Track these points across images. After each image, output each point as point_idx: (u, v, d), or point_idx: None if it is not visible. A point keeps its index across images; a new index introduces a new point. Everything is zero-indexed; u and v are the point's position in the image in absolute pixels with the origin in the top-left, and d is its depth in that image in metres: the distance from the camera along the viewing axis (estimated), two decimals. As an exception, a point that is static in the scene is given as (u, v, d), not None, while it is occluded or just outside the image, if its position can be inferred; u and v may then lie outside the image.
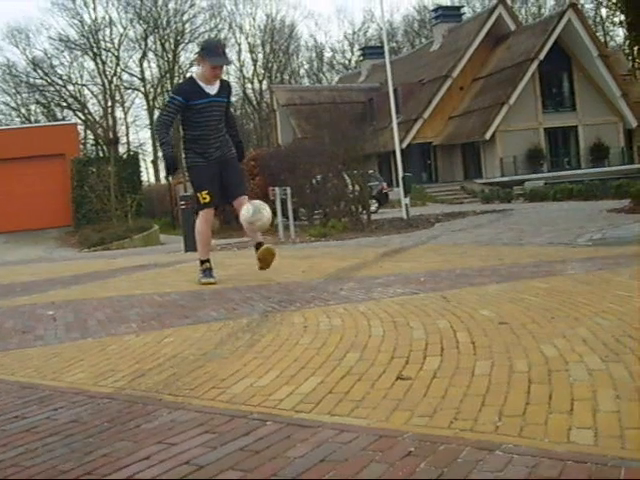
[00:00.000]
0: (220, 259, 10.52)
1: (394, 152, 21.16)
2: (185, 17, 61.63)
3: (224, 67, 7.00)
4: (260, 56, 65.96)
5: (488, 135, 39.18)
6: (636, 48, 18.27)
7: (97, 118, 60.53)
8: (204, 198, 6.96)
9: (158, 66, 62.22)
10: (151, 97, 61.47)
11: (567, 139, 41.75)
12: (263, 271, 7.13)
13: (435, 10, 51.63)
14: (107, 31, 60.38)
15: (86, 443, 2.50)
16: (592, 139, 40.79)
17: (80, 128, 51.78)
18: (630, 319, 3.70)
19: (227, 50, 7.44)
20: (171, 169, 7.21)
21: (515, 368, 2.94)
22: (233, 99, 65.70)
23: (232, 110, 7.66)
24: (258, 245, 7.05)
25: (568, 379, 2.74)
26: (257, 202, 6.85)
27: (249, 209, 6.69)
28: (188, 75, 7.36)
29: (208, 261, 7.05)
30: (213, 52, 6.89)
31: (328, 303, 5.05)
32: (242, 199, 7.01)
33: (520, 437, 2.23)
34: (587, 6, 47.74)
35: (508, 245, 9.22)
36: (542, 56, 39.53)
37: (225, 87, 7.06)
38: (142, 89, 62.22)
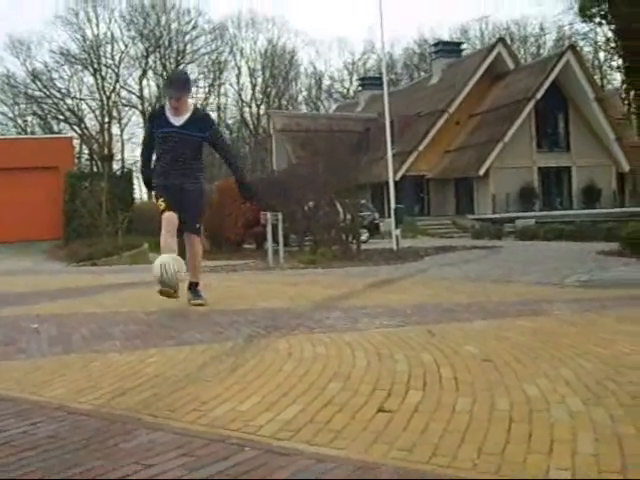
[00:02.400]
0: (208, 282, 10.51)
1: (388, 183, 21.20)
2: (187, 38, 61.88)
3: (181, 99, 6.82)
4: (259, 80, 66.18)
5: (482, 171, 39.30)
6: (632, 93, 18.43)
7: (93, 133, 60.57)
8: (160, 205, 6.90)
9: (157, 85, 62.27)
10: (148, 115, 61.48)
11: (560, 179, 41.91)
12: (248, 296, 7.15)
13: (435, 45, 51.91)
14: (108, 47, 60.54)
15: (63, 460, 2.49)
16: (585, 181, 40.96)
17: (76, 142, 51.81)
18: (613, 362, 3.71)
19: (189, 81, 7.34)
20: (149, 190, 7.50)
21: (496, 406, 2.94)
22: (230, 121, 66.07)
23: (223, 139, 7.54)
24: (190, 285, 7.04)
25: (549, 420, 2.74)
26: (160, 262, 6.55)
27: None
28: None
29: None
30: (167, 84, 7.00)
31: (313, 331, 5.04)
32: (190, 237, 7.07)
33: (498, 475, 2.23)
34: (586, 49, 47.99)
35: (496, 282, 9.24)
36: (539, 95, 39.76)
37: (198, 120, 6.94)
38: (140, 107, 62.24)
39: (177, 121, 6.82)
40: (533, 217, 33.46)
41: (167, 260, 6.46)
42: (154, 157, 7.17)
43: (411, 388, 3.28)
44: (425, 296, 7.56)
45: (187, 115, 6.85)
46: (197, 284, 7.04)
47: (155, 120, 7.04)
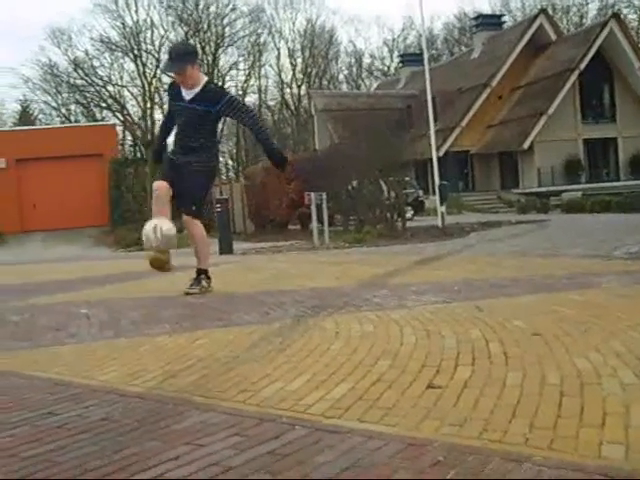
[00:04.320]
0: (254, 263, 10.58)
1: (431, 160, 21.10)
2: (225, 21, 61.86)
3: (183, 73, 6.61)
4: (299, 61, 66.06)
5: (526, 145, 38.93)
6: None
7: (136, 119, 60.92)
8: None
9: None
10: (167, 87, 61.55)
11: (606, 150, 41.37)
12: (294, 276, 7.11)
13: (476, 18, 51.44)
14: (148, 33, 60.72)
15: (116, 441, 2.52)
16: (632, 151, 40.39)
17: (119, 129, 52.24)
18: (665, 334, 3.66)
19: (188, 53, 6.97)
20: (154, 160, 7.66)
21: (547, 380, 2.91)
22: (271, 103, 66.06)
23: (244, 109, 6.97)
24: (199, 271, 6.78)
25: (600, 393, 2.71)
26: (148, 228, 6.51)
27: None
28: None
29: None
30: (167, 58, 6.88)
31: (360, 309, 5.04)
32: (186, 219, 6.79)
33: (550, 450, 2.21)
34: (630, 17, 47.27)
35: (543, 256, 9.16)
36: (583, 66, 39.23)
37: (208, 93, 6.64)
38: (181, 91, 62.43)
39: (188, 95, 6.62)
40: (579, 190, 33.12)
41: (155, 222, 6.41)
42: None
43: (460, 364, 3.26)
44: (472, 272, 7.52)
45: (197, 89, 6.62)
46: (204, 271, 6.76)
47: (172, 92, 6.91)
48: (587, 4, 61.42)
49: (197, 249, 6.83)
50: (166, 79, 61.88)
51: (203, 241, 6.91)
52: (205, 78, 6.88)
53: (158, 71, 58.66)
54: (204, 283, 6.67)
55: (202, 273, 6.74)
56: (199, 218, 6.84)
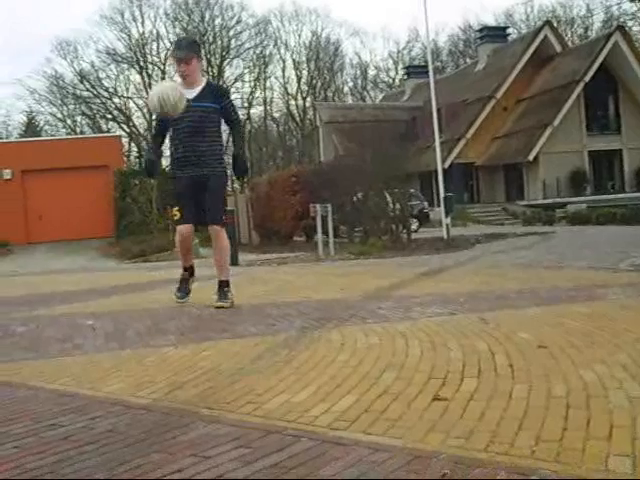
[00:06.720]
0: (260, 274, 10.56)
1: (436, 172, 21.07)
2: (231, 33, 62.13)
3: (190, 63, 6.39)
4: (305, 73, 66.17)
5: (531, 157, 38.87)
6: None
7: (141, 131, 61.05)
8: (174, 215, 6.72)
9: (203, 81, 62.51)
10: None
11: (611, 162, 41.29)
12: (299, 288, 7.09)
13: (480, 30, 51.44)
14: (154, 45, 61.07)
15: (121, 453, 2.51)
16: (637, 163, 40.30)
17: (124, 140, 52.37)
18: (672, 346, 3.65)
19: (196, 43, 6.92)
20: (147, 173, 7.46)
21: (553, 392, 2.91)
22: (277, 115, 66.15)
23: (236, 111, 6.88)
24: (219, 284, 6.59)
25: (607, 405, 2.70)
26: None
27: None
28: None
29: (186, 272, 7.01)
30: (174, 48, 6.76)
31: (366, 321, 5.04)
32: (213, 229, 6.58)
33: (557, 462, 2.20)
34: (635, 29, 47.25)
35: (548, 268, 9.14)
36: (588, 78, 39.19)
37: (212, 92, 6.51)
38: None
39: (190, 94, 6.35)
40: (585, 202, 33.04)
41: (165, 90, 6.15)
42: (168, 140, 6.73)
43: (466, 376, 3.25)
44: (477, 284, 7.51)
45: (200, 87, 6.45)
46: (226, 283, 6.57)
47: None
48: (591, 16, 61.47)
49: (222, 260, 6.68)
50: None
51: (228, 252, 6.90)
52: (205, 77, 6.80)
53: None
54: (230, 295, 6.52)
55: (226, 285, 6.58)
56: (225, 226, 6.74)
